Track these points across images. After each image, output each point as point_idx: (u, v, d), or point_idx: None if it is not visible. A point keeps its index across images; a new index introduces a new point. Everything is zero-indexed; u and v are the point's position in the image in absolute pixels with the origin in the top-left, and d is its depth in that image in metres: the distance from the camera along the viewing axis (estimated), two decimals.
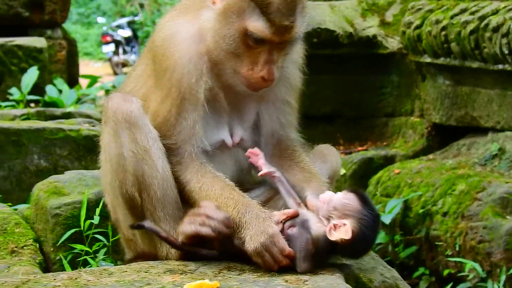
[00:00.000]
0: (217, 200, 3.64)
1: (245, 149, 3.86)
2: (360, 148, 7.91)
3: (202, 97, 3.75)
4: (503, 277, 5.55)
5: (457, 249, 5.91)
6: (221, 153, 3.86)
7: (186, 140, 3.75)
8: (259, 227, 3.53)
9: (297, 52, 4.00)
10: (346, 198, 3.56)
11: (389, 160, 7.46)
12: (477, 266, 5.65)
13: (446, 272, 6.00)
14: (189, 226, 3.61)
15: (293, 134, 4.02)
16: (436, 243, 6.13)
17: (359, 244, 3.56)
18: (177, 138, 3.75)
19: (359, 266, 3.91)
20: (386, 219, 6.25)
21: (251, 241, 3.53)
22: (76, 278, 3.46)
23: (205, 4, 3.78)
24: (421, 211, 6.30)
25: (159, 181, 3.70)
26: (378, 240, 6.29)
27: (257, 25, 3.61)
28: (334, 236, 3.50)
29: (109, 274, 3.53)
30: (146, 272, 3.58)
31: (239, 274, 3.48)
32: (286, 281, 3.40)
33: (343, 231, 3.49)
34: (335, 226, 3.50)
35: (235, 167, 3.95)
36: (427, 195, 6.35)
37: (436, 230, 6.16)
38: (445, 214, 6.12)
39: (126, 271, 3.58)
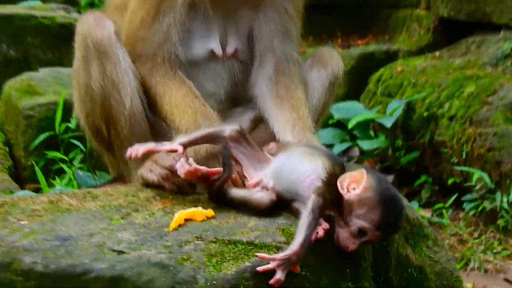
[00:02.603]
0: (177, 107, 3.61)
1: (240, 62, 3.78)
2: (359, 42, 7.81)
3: (180, 1, 3.62)
4: None
5: (463, 156, 5.85)
6: (213, 65, 3.75)
7: (160, 44, 3.67)
8: None
9: None
10: (365, 194, 2.95)
11: (391, 56, 7.33)
12: (485, 176, 5.61)
13: (450, 181, 5.92)
14: (150, 175, 3.45)
15: (292, 51, 3.81)
16: (441, 149, 6.07)
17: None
18: (151, 41, 3.67)
19: None
20: (387, 122, 6.18)
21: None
22: (57, 202, 3.23)
23: None
24: (425, 114, 6.22)
25: (126, 118, 3.60)
26: (377, 145, 6.26)
27: None
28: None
29: (93, 198, 3.31)
30: (134, 196, 3.33)
31: None
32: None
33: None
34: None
35: (229, 80, 3.83)
36: (433, 96, 6.25)
37: (441, 135, 6.09)
38: (451, 118, 6.03)
39: (112, 195, 3.34)
